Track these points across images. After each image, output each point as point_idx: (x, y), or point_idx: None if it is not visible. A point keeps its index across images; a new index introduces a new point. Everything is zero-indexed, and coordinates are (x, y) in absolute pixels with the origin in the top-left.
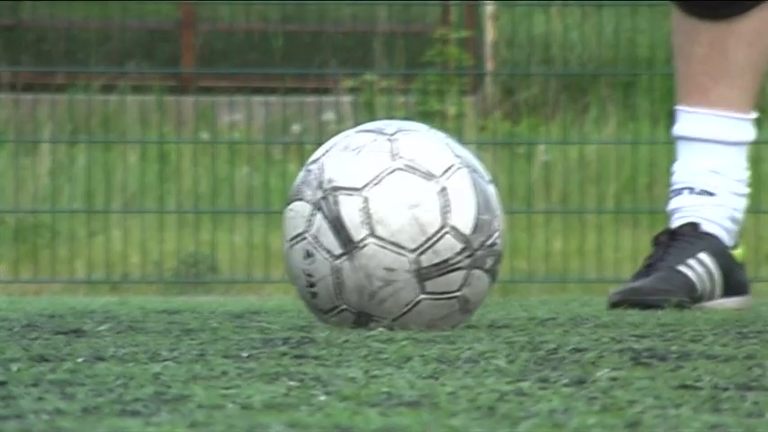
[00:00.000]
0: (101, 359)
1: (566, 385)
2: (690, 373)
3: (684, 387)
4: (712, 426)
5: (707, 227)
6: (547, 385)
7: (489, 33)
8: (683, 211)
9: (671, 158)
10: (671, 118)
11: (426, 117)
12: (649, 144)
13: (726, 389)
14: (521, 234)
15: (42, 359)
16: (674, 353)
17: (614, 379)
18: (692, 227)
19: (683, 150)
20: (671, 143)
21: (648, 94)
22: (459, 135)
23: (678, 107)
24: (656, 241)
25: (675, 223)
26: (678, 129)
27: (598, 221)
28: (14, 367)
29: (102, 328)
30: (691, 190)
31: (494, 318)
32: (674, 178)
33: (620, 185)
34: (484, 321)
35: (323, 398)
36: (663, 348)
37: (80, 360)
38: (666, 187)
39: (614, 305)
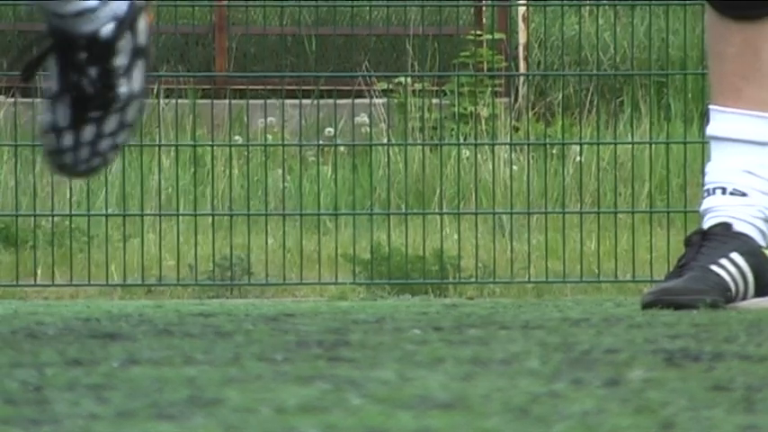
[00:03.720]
0: (135, 363)
1: (599, 386)
2: (723, 373)
3: (718, 388)
4: (746, 427)
5: (739, 226)
6: (580, 387)
7: (522, 35)
8: (714, 211)
9: (704, 159)
10: (704, 118)
11: (460, 119)
12: (682, 144)
13: (759, 389)
14: (554, 235)
15: (77, 363)
16: (707, 353)
17: (647, 380)
18: (724, 227)
19: (715, 150)
20: (704, 143)
21: (681, 94)
22: (492, 136)
23: (711, 107)
24: (689, 242)
25: (707, 223)
26: (711, 129)
27: (631, 222)
28: (49, 371)
29: (136, 331)
30: (723, 190)
31: (527, 318)
32: (707, 178)
33: (654, 186)
34: (518, 322)
35: (357, 401)
36: (696, 349)
37: (115, 364)
38: (699, 187)
39: (647, 306)
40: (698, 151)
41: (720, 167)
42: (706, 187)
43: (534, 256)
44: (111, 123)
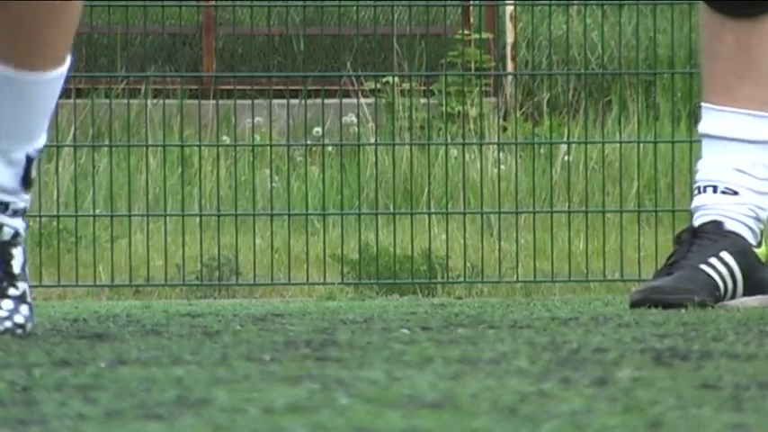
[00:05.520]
0: (124, 363)
1: (587, 386)
2: (711, 372)
3: (706, 387)
4: (734, 425)
5: (730, 225)
6: (568, 386)
7: (509, 34)
8: (705, 208)
9: (692, 157)
10: (692, 117)
11: (448, 118)
12: (670, 143)
13: (748, 388)
14: (543, 234)
15: (65, 364)
16: (695, 352)
17: (636, 379)
18: (715, 225)
19: (707, 148)
20: (692, 142)
21: (669, 93)
22: (480, 136)
23: (703, 105)
24: (679, 239)
25: (698, 221)
26: (703, 126)
27: (620, 221)
28: (37, 372)
29: (124, 331)
30: (714, 188)
31: (516, 318)
32: (698, 176)
33: (642, 185)
34: (506, 322)
35: (345, 400)
36: (684, 348)
37: (103, 364)
38: (687, 186)
39: (635, 304)
40: (686, 150)
41: (712, 165)
42: (697, 185)
43: (522, 255)
44: None
